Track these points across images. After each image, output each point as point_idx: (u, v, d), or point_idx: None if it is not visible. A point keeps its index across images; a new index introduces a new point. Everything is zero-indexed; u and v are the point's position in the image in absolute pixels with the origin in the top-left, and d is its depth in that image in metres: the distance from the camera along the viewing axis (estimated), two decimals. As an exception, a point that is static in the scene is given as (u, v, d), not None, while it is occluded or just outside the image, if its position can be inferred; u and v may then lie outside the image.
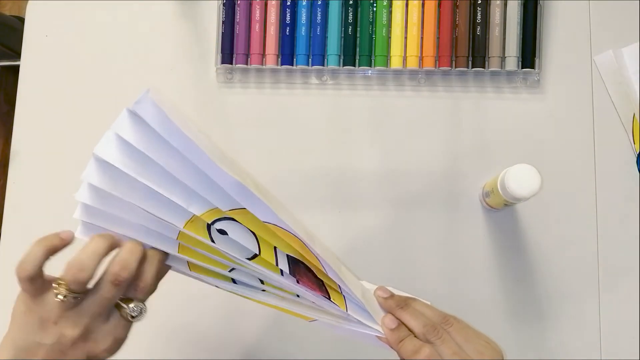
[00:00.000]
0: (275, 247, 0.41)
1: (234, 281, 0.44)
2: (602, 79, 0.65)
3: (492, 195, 0.58)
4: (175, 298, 0.62)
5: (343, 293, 0.43)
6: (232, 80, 0.67)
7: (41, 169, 0.66)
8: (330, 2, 0.66)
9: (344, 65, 0.66)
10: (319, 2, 0.65)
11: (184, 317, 0.63)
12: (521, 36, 0.65)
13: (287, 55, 0.66)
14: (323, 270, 0.42)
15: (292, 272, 0.42)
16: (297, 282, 0.42)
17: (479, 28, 0.65)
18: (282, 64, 0.66)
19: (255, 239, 0.41)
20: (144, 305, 0.41)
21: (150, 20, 0.69)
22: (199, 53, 0.68)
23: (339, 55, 0.66)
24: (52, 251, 0.40)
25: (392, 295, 0.46)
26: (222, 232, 0.40)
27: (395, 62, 0.65)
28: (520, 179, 0.52)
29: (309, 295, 0.43)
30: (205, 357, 0.61)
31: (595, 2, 0.67)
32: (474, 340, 0.42)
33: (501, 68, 0.65)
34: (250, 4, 0.66)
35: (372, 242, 0.64)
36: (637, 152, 0.64)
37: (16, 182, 0.66)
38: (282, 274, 0.42)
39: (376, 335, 0.45)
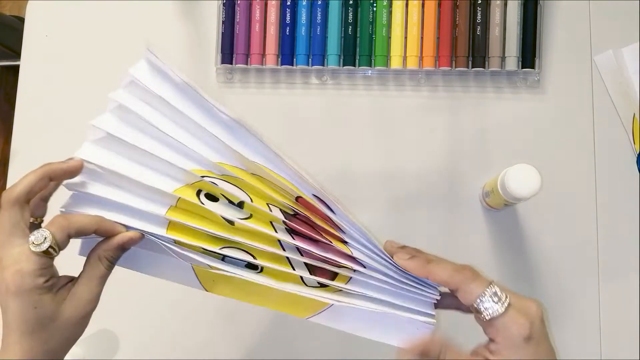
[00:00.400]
0: (268, 204, 0.39)
1: (223, 259, 0.40)
2: (602, 79, 0.65)
3: (492, 195, 0.58)
4: (174, 302, 0.62)
5: (346, 239, 0.40)
6: (232, 80, 0.67)
7: (41, 168, 0.66)
8: (330, 2, 0.66)
9: (344, 65, 0.66)
10: (319, 2, 0.66)
11: (184, 319, 0.63)
12: (521, 36, 0.65)
13: (287, 55, 0.66)
14: (322, 213, 0.39)
15: (288, 228, 0.40)
16: (292, 236, 0.40)
17: (479, 28, 0.65)
18: (282, 64, 0.66)
19: (247, 196, 0.39)
20: (50, 233, 0.37)
21: (150, 20, 0.69)
22: (199, 53, 0.68)
23: (339, 55, 0.66)
24: (50, 178, 0.39)
25: (406, 249, 0.41)
26: (210, 197, 0.39)
27: (395, 62, 0.65)
28: (520, 179, 0.52)
29: (305, 247, 0.39)
30: (206, 356, 0.61)
31: (595, 2, 0.67)
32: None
33: (501, 68, 0.65)
34: (250, 4, 0.66)
35: (372, 242, 0.64)
36: (637, 152, 0.64)
37: (16, 182, 0.66)
38: (274, 228, 0.39)
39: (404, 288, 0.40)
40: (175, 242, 0.40)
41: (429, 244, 0.63)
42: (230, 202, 0.39)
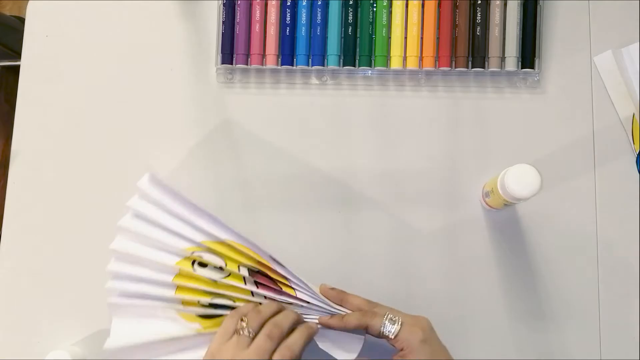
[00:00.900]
0: (238, 265, 0.56)
1: (215, 308, 0.56)
2: (601, 79, 0.65)
3: (492, 195, 0.58)
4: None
5: (292, 285, 0.56)
6: (233, 80, 0.67)
7: (42, 169, 0.66)
8: (331, 2, 0.66)
9: (344, 65, 0.66)
10: (319, 3, 0.66)
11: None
12: (521, 36, 0.65)
13: (287, 55, 0.66)
14: (275, 270, 0.56)
15: (252, 278, 0.56)
16: (257, 286, 0.55)
17: (478, 28, 0.65)
18: (282, 64, 0.66)
19: (222, 259, 0.56)
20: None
21: (150, 20, 0.69)
22: (199, 53, 0.68)
23: (339, 56, 0.66)
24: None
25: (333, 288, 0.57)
26: (201, 264, 0.56)
27: (395, 63, 0.65)
28: (520, 179, 0.52)
29: (266, 293, 0.55)
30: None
31: (595, 2, 0.67)
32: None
33: (501, 68, 0.65)
34: (251, 4, 0.66)
35: (372, 242, 0.64)
36: (637, 152, 0.64)
37: (17, 183, 0.66)
38: (245, 281, 0.55)
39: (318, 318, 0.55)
40: (182, 302, 0.56)
41: (429, 244, 0.64)
42: (214, 267, 0.56)
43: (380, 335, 0.51)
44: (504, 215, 0.63)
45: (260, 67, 0.66)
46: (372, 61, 0.66)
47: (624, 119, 0.64)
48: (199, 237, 0.57)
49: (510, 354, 0.61)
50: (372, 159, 0.65)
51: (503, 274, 0.63)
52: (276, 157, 0.66)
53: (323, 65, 0.66)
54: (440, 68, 0.65)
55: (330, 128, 0.66)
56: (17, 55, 1.25)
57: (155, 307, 0.57)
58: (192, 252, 0.56)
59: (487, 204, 0.62)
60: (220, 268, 0.56)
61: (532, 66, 0.64)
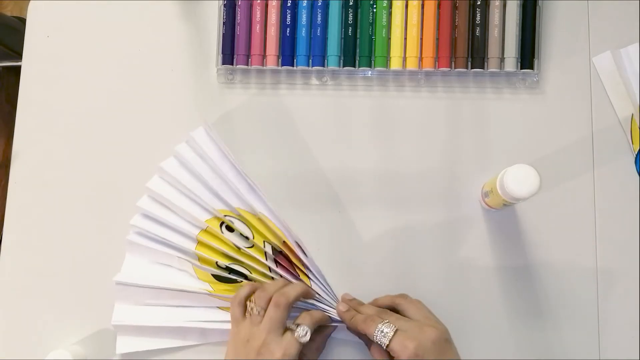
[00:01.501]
0: (264, 241, 0.58)
1: (230, 272, 0.59)
2: (600, 80, 0.66)
3: (492, 195, 0.58)
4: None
5: (310, 276, 0.57)
6: (233, 81, 0.68)
7: (43, 169, 0.67)
8: (331, 3, 0.66)
9: (344, 66, 0.66)
10: (319, 3, 0.66)
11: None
12: (520, 37, 0.65)
13: (287, 56, 0.66)
14: (297, 255, 0.57)
15: (273, 255, 0.57)
16: (276, 265, 0.57)
17: (478, 29, 0.65)
18: (282, 65, 0.66)
19: (250, 232, 0.58)
20: (309, 328, 0.52)
21: (151, 20, 0.69)
22: (199, 54, 0.68)
23: (339, 56, 0.66)
24: (304, 296, 0.56)
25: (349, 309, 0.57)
26: (229, 228, 0.58)
27: (395, 63, 0.65)
28: (520, 179, 0.52)
29: (282, 273, 0.58)
30: (207, 356, 0.62)
31: (595, 3, 0.67)
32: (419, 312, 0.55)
33: (500, 69, 0.65)
34: (251, 5, 0.66)
35: (372, 242, 0.64)
36: (636, 152, 0.64)
37: (18, 182, 0.67)
38: (266, 257, 0.57)
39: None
40: (200, 258, 0.58)
41: (429, 243, 0.64)
42: (241, 234, 0.58)
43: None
44: (503, 215, 0.63)
45: (260, 67, 0.66)
46: (372, 62, 0.66)
47: (622, 119, 0.65)
48: (235, 203, 0.58)
49: (509, 354, 0.61)
50: (372, 159, 0.65)
51: (502, 273, 0.63)
52: (276, 157, 0.66)
53: (323, 66, 0.66)
54: (439, 69, 0.65)
55: (331, 128, 0.66)
56: (18, 55, 1.26)
57: (172, 257, 0.58)
58: (225, 215, 0.58)
59: (486, 204, 0.62)
60: (247, 238, 0.57)
61: (531, 67, 0.65)
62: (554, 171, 0.63)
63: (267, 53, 0.66)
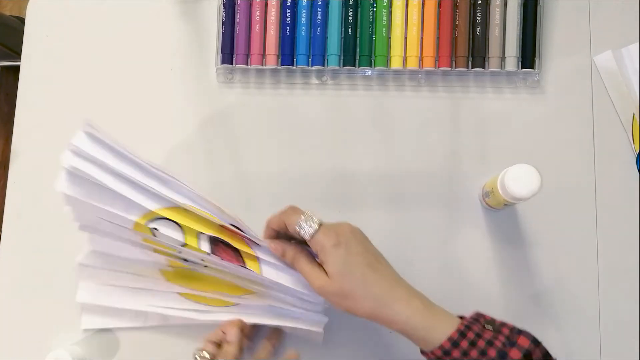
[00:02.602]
0: (198, 233, 0.52)
1: (185, 260, 0.57)
2: (601, 79, 0.65)
3: (492, 195, 0.58)
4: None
5: (258, 255, 0.53)
6: (233, 80, 0.67)
7: (42, 169, 0.66)
8: (331, 2, 0.66)
9: (344, 65, 0.66)
10: (319, 3, 0.66)
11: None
12: (521, 36, 0.65)
13: (287, 55, 0.66)
14: (238, 234, 0.53)
15: (214, 252, 0.52)
16: (221, 259, 0.52)
17: (478, 28, 0.65)
18: (282, 64, 0.66)
19: (181, 230, 0.52)
20: (206, 352, 0.53)
21: (150, 20, 0.69)
22: (199, 53, 0.68)
23: (339, 56, 0.66)
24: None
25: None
26: (155, 230, 0.51)
27: (395, 62, 0.65)
28: (520, 179, 0.52)
29: (231, 267, 0.53)
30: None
31: (595, 3, 0.67)
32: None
33: (501, 68, 0.65)
34: (251, 4, 0.66)
35: (372, 242, 0.64)
36: (637, 152, 0.64)
37: (17, 183, 0.66)
38: (209, 254, 0.52)
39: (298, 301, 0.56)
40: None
41: (429, 243, 0.64)
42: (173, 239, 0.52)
43: (300, 237, 0.51)
44: (503, 215, 0.63)
45: (260, 67, 0.66)
46: (372, 61, 0.66)
47: (624, 119, 0.64)
48: (152, 205, 0.51)
49: (510, 354, 0.61)
50: (372, 159, 0.65)
51: (503, 273, 0.63)
52: (276, 156, 0.66)
53: (323, 65, 0.66)
54: (440, 68, 0.65)
55: (331, 128, 0.66)
56: (17, 55, 1.26)
57: (127, 231, 0.53)
58: (146, 222, 0.51)
59: (487, 203, 0.62)
60: (179, 241, 0.52)
61: (532, 66, 0.64)
62: (554, 171, 0.63)
63: (267, 52, 0.66)
